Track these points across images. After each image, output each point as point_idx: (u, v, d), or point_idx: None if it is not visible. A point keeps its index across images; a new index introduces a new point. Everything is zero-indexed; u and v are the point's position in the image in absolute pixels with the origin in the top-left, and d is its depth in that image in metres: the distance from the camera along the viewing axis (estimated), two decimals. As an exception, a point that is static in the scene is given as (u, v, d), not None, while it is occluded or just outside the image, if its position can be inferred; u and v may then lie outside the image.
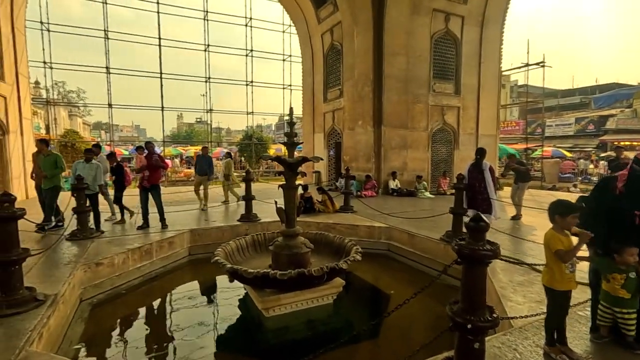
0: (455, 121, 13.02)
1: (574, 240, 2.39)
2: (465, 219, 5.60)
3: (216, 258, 4.27)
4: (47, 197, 6.21)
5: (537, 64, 15.77)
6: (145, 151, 6.88)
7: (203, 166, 8.90)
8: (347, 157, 13.35)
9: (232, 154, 32.65)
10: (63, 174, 6.72)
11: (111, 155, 7.77)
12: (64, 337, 3.63)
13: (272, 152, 31.05)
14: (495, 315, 1.94)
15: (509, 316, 2.66)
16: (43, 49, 14.51)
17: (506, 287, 3.67)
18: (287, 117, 4.71)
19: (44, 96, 20.56)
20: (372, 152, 11.95)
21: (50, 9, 15.27)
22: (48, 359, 2.63)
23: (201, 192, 8.88)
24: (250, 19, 18.59)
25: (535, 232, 6.48)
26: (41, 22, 14.25)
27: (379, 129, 11.81)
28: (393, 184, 11.67)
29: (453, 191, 11.36)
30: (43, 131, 24.46)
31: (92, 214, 6.14)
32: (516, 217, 7.42)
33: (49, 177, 6.14)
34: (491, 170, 5.58)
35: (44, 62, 14.66)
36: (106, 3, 15.35)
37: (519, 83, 43.83)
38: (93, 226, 6.16)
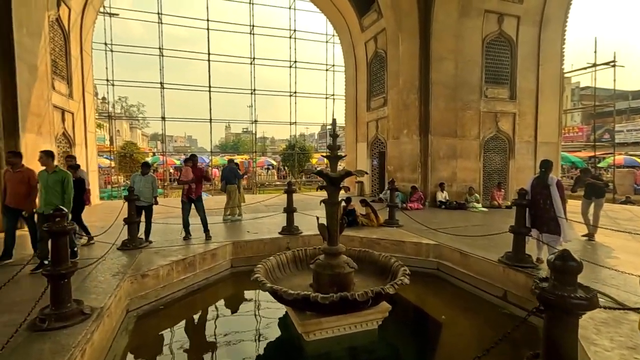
0: (510, 128, 12.06)
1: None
2: (528, 239, 5.03)
3: (256, 276, 4.13)
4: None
5: (607, 63, 14.20)
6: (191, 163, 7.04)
7: (230, 175, 9.07)
8: (391, 167, 12.89)
9: (275, 162, 33.42)
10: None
11: (73, 167, 6.22)
12: (109, 350, 3.67)
13: (314, 161, 31.24)
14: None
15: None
16: (106, 68, 15.81)
17: (587, 326, 3.09)
18: (329, 127, 4.51)
19: (109, 110, 22.44)
20: (418, 161, 11.40)
21: (114, 31, 16.60)
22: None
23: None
24: (294, 31, 18.90)
25: (613, 255, 5.67)
26: (105, 44, 15.54)
27: (425, 137, 11.24)
28: (441, 196, 10.99)
29: (509, 204, 10.63)
30: (107, 142, 26.68)
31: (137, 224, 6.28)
32: (590, 237, 6.54)
33: (50, 200, 4.83)
34: (559, 185, 4.90)
35: (107, 80, 15.95)
36: (161, 23, 16.42)
37: (581, 85, 40.37)
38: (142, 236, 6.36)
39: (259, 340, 4.33)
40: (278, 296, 3.83)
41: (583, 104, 33.98)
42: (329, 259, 4.19)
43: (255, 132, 21.58)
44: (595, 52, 14.28)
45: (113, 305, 3.87)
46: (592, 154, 18.50)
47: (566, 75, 15.62)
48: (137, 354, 4.04)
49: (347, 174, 4.19)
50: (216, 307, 5.47)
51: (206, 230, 6.70)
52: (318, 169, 5.04)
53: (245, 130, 64.58)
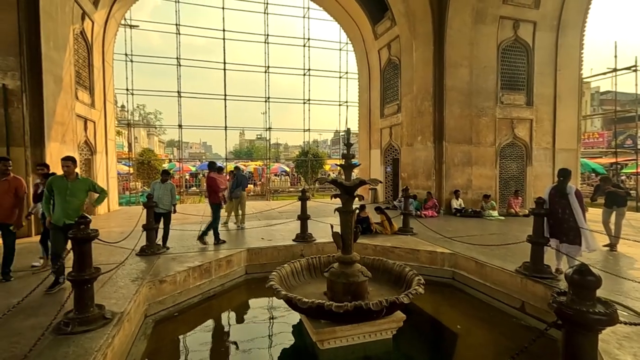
0: (527, 135, 11.87)
1: None
2: (547, 249, 4.92)
3: (271, 283, 4.18)
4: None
5: (628, 68, 13.84)
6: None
7: (244, 182, 9.19)
8: (405, 174, 12.83)
9: (288, 169, 33.64)
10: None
11: (45, 176, 5.36)
12: (129, 354, 3.76)
13: (327, 167, 31.33)
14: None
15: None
16: (126, 78, 16.33)
17: (609, 340, 3.02)
18: (343, 133, 4.55)
19: (128, 118, 23.12)
20: (432, 168, 11.32)
21: (134, 41, 17.12)
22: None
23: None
24: (308, 39, 19.15)
25: (636, 266, 5.50)
26: (126, 55, 16.07)
27: (439, 144, 11.17)
28: (456, 204, 10.87)
29: (527, 212, 10.41)
30: (125, 149, 27.43)
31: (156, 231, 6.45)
32: (611, 248, 6.34)
33: (68, 211, 4.31)
34: (577, 194, 4.80)
35: (127, 89, 16.45)
36: (179, 34, 16.89)
37: (601, 89, 39.41)
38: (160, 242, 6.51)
39: (273, 347, 4.36)
40: (293, 304, 3.86)
41: (603, 109, 33.13)
42: (343, 268, 4.20)
43: (269, 138, 21.83)
44: (615, 56, 13.96)
45: (132, 310, 3.98)
46: (613, 160, 17.96)
47: (585, 80, 15.29)
48: (156, 357, 4.12)
49: (362, 182, 4.22)
50: (231, 314, 5.53)
51: (218, 234, 6.94)
52: (331, 176, 5.05)
53: (259, 136, 65.38)
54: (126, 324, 3.67)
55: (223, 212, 8.31)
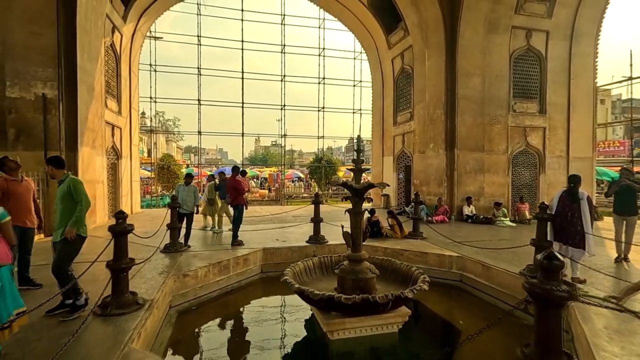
0: (540, 143, 11.93)
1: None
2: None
3: (285, 278, 4.51)
4: (60, 254, 3.61)
5: (644, 76, 13.75)
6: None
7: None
8: (417, 181, 13.03)
9: (303, 175, 34.11)
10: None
11: None
12: (156, 338, 4.14)
13: (341, 174, 31.59)
14: (574, 364, 1.77)
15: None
16: (150, 87, 17.15)
17: (600, 334, 3.21)
18: (356, 141, 4.89)
19: (148, 124, 24.10)
20: (444, 176, 11.49)
21: (158, 52, 17.91)
22: (143, 356, 3.07)
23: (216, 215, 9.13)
24: (323, 49, 19.67)
25: (644, 273, 5.55)
26: (150, 65, 16.91)
27: (451, 152, 11.36)
28: (468, 210, 10.99)
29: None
30: (146, 154, 28.48)
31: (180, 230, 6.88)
32: (624, 259, 6.26)
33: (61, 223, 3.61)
34: (589, 200, 4.97)
35: (150, 97, 17.27)
36: (200, 44, 17.66)
37: (624, 97, 38.57)
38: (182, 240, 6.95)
39: (286, 338, 4.67)
40: (305, 296, 4.18)
41: (625, 117, 32.38)
42: (353, 265, 4.50)
43: (284, 145, 22.33)
44: (630, 65, 13.88)
45: (160, 299, 4.37)
46: (634, 169, 17.61)
47: (602, 88, 15.20)
48: (180, 344, 4.50)
49: (370, 185, 4.53)
50: (247, 308, 5.87)
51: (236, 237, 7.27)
52: (343, 180, 5.34)
53: (274, 143, 66.35)
54: (155, 310, 4.07)
55: (201, 217, 8.60)
